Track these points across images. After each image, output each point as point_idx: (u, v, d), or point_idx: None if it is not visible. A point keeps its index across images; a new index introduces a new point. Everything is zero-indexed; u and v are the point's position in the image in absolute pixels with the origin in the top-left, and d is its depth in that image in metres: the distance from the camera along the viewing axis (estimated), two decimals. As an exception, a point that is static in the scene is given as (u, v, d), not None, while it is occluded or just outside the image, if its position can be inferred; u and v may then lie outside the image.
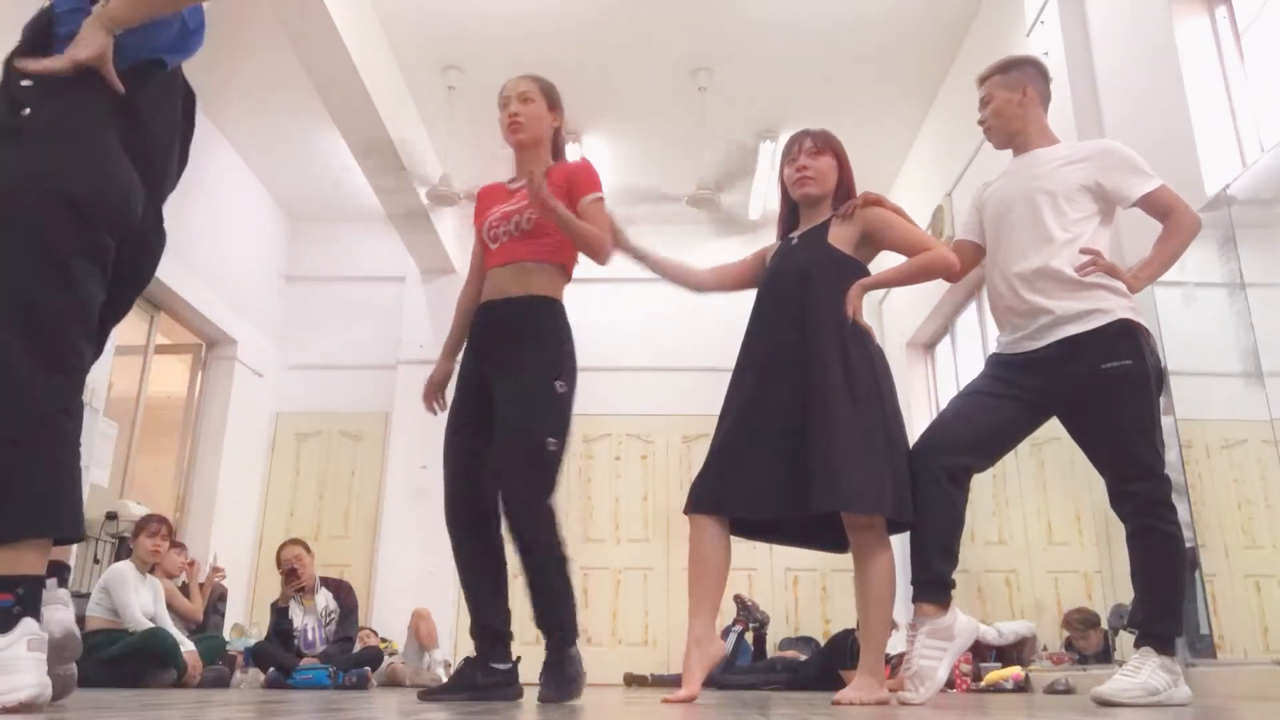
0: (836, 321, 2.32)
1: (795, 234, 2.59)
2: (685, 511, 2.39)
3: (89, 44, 1.52)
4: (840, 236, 2.47)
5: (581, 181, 2.61)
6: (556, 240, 2.57)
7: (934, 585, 2.25)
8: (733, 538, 2.40)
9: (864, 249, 2.49)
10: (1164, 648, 2.19)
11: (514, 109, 2.64)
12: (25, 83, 1.52)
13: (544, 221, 2.53)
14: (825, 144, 2.57)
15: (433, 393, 2.79)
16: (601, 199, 2.62)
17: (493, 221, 2.65)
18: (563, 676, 2.39)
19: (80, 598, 4.68)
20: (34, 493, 1.43)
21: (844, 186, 2.57)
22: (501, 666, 2.47)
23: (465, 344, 2.67)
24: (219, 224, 6.42)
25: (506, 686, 2.45)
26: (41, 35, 1.60)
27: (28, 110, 1.51)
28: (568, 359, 2.53)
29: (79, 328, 1.51)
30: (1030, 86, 2.55)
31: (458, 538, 2.53)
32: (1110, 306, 2.28)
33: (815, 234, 2.52)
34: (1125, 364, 2.22)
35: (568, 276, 2.68)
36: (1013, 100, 2.55)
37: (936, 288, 6.15)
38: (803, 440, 2.25)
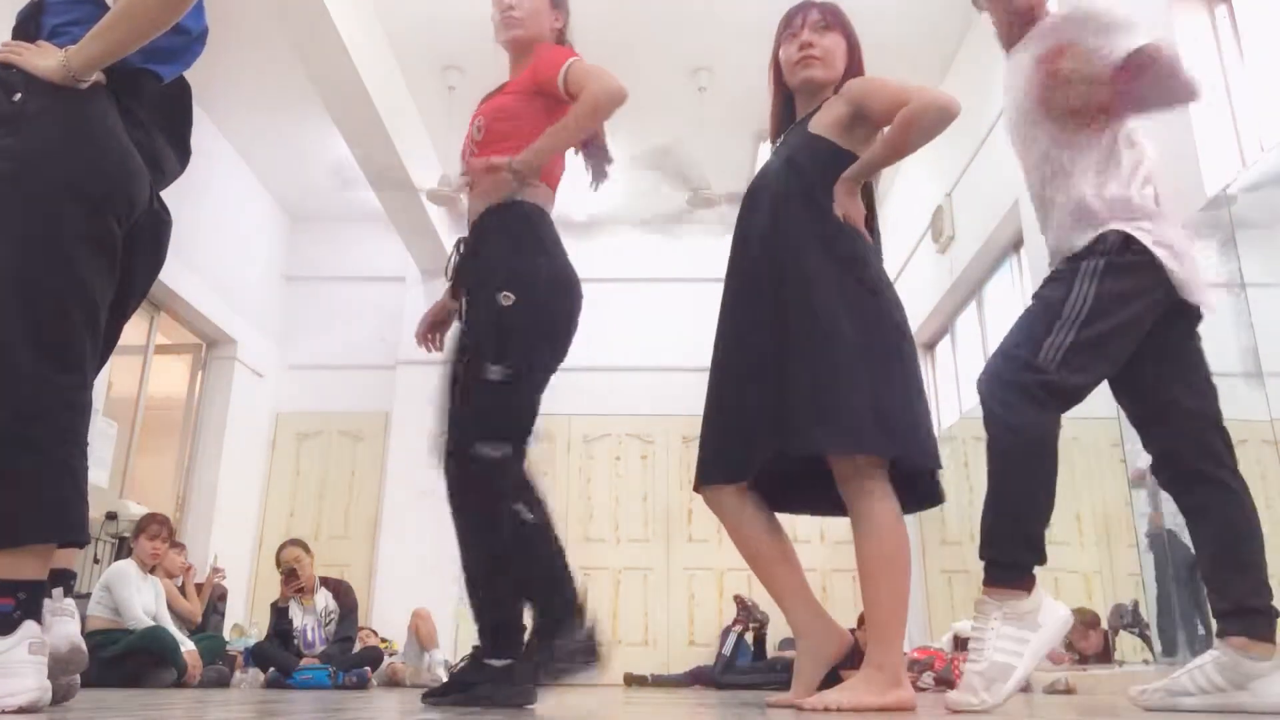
0: (814, 231, 1.94)
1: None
2: (695, 489, 2.05)
3: (46, 66, 1.49)
4: (825, 121, 2.03)
5: (543, 65, 2.10)
6: (515, 144, 2.05)
7: (1010, 564, 1.81)
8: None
9: (858, 131, 2.02)
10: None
11: (508, 0, 2.23)
12: (13, 69, 1.50)
13: (505, 120, 2.12)
14: (835, 19, 2.16)
15: (425, 329, 2.30)
16: (575, 62, 2.06)
17: (470, 126, 2.23)
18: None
19: (81, 598, 4.68)
20: (37, 495, 1.40)
21: (853, 75, 2.13)
22: (496, 663, 2.10)
23: None
24: (219, 224, 6.41)
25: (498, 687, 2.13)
26: (28, 23, 1.60)
27: (19, 95, 1.48)
28: (523, 265, 1.99)
29: (83, 320, 1.47)
30: None
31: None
32: None
33: (799, 126, 2.09)
34: None
35: (542, 176, 2.10)
36: None
37: (936, 287, 6.15)
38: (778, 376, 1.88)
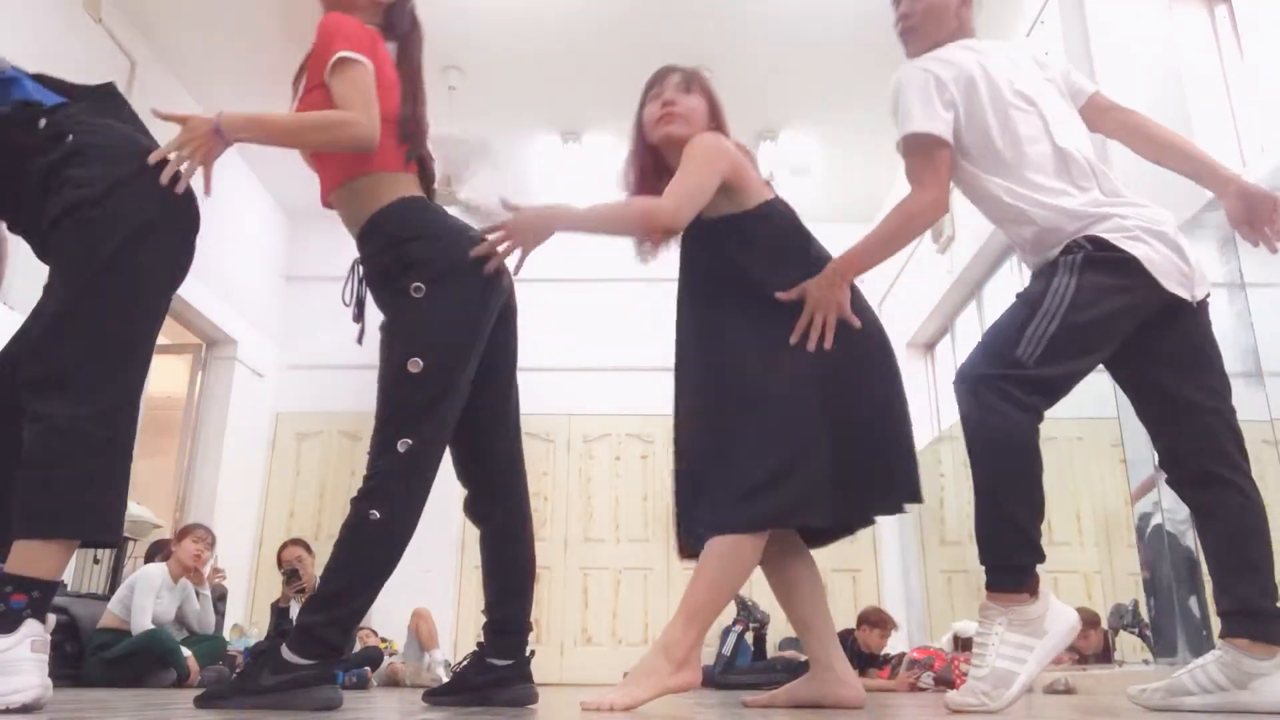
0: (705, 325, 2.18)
1: None
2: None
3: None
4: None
5: (318, 47, 2.00)
6: (341, 155, 2.02)
7: (1011, 567, 1.80)
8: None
9: (730, 194, 2.10)
10: None
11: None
12: (41, 123, 1.66)
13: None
14: (696, 83, 2.26)
15: None
16: (344, 60, 1.92)
17: None
18: (249, 680, 1.78)
19: (81, 598, 4.69)
20: (68, 492, 1.46)
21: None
22: (500, 662, 2.12)
23: None
24: (219, 224, 6.41)
25: (506, 687, 2.12)
26: None
27: (71, 137, 1.65)
28: (421, 254, 1.93)
29: (149, 333, 1.70)
30: None
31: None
32: None
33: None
34: None
35: (373, 162, 2.01)
36: None
37: (937, 287, 6.15)
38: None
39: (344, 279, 2.19)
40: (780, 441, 1.93)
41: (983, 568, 1.82)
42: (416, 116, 2.10)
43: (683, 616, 1.88)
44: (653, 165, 2.26)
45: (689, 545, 2.10)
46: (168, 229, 1.70)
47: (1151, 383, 1.94)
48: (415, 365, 1.88)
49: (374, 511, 1.84)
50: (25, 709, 1.37)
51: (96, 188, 1.59)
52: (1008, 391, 1.78)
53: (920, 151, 1.96)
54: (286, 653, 1.78)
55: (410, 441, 1.85)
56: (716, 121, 2.25)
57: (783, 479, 1.90)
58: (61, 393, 1.49)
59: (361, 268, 2.10)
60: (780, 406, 1.97)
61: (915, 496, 2.06)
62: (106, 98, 1.80)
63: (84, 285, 1.56)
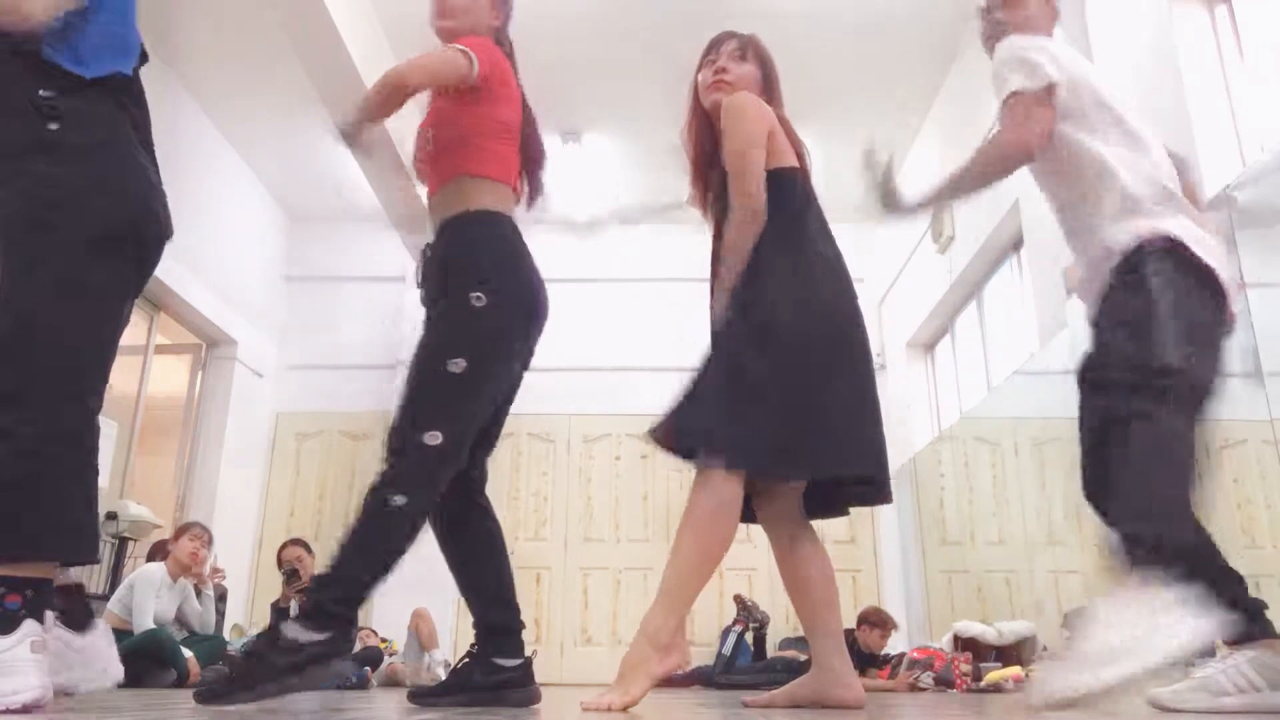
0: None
1: None
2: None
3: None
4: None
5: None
6: (462, 153, 2.15)
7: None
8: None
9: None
10: None
11: None
12: (44, 93, 1.50)
13: (445, 136, 2.16)
14: (752, 51, 2.29)
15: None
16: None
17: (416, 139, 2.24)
18: (261, 667, 1.71)
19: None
20: (50, 513, 1.43)
21: (772, 103, 2.27)
22: (508, 663, 2.10)
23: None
24: (219, 224, 6.41)
25: (516, 688, 2.09)
26: None
27: (55, 125, 1.49)
28: (494, 272, 2.05)
29: (112, 347, 1.54)
30: None
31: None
32: None
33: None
34: None
35: (497, 180, 2.16)
36: None
37: (937, 287, 6.15)
38: None
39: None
40: (784, 392, 1.94)
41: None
42: (539, 137, 2.32)
43: (662, 600, 1.87)
44: (704, 128, 2.31)
45: (666, 437, 2.04)
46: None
47: None
48: (458, 365, 1.94)
49: (397, 498, 1.87)
50: (26, 709, 1.37)
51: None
52: (1162, 393, 1.78)
53: None
54: (294, 630, 1.75)
55: (439, 436, 1.89)
56: (769, 90, 2.29)
57: (777, 431, 1.92)
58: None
59: (430, 253, 2.18)
60: (790, 356, 1.98)
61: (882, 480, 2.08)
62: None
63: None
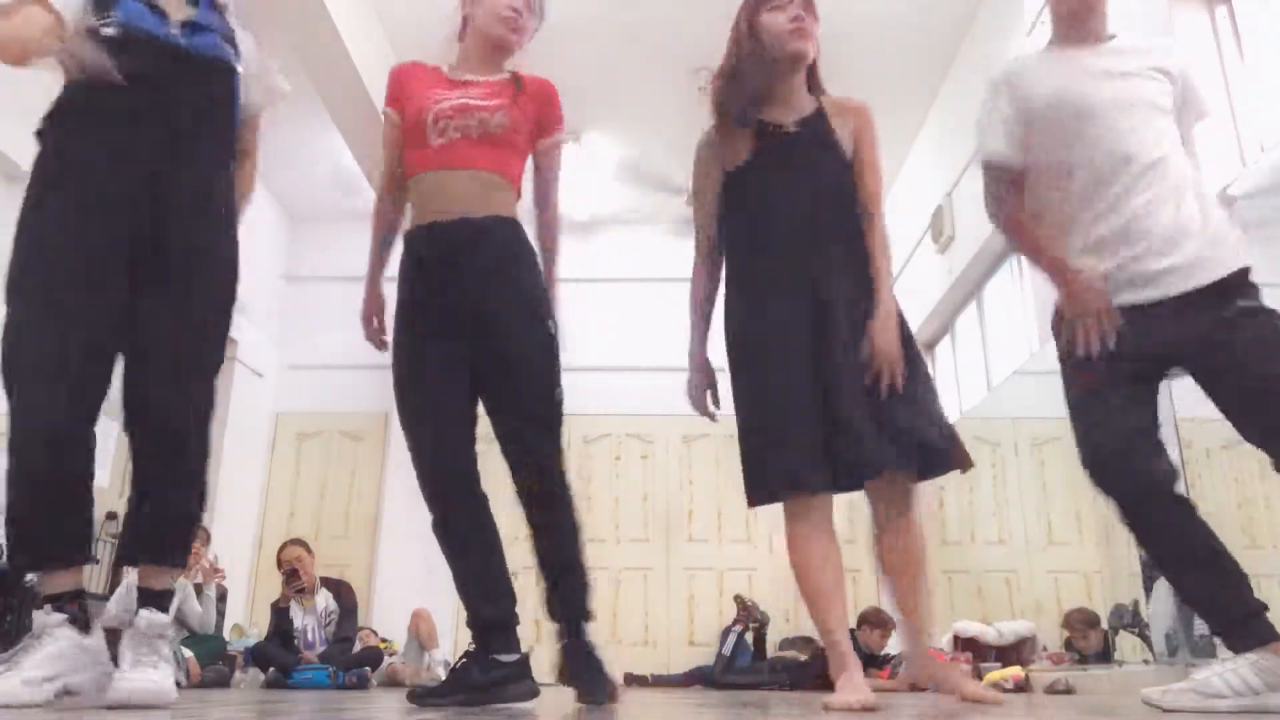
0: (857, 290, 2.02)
1: (793, 119, 2.10)
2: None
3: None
4: (844, 141, 2.11)
5: (555, 111, 2.33)
6: (521, 163, 2.23)
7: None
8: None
9: None
10: None
11: (519, 5, 2.43)
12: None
13: (516, 133, 2.17)
14: (815, 11, 2.13)
15: (374, 325, 2.51)
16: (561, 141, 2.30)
17: (444, 110, 2.14)
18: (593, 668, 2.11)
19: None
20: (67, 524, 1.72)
21: (813, 73, 2.18)
22: (507, 658, 2.09)
23: (410, 271, 2.26)
24: (219, 224, 6.41)
25: (514, 683, 2.08)
26: None
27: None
28: (546, 295, 2.19)
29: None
30: None
31: (456, 507, 2.20)
32: None
33: (817, 126, 2.10)
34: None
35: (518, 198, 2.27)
36: None
37: (937, 287, 6.15)
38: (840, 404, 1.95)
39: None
40: (767, 406, 2.00)
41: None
42: None
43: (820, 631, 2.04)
44: (754, 80, 2.09)
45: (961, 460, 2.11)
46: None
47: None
48: (560, 395, 2.14)
49: (570, 490, 2.11)
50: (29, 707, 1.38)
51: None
52: None
53: None
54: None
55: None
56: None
57: (774, 449, 1.98)
58: None
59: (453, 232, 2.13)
60: (763, 366, 2.02)
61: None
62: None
63: None
